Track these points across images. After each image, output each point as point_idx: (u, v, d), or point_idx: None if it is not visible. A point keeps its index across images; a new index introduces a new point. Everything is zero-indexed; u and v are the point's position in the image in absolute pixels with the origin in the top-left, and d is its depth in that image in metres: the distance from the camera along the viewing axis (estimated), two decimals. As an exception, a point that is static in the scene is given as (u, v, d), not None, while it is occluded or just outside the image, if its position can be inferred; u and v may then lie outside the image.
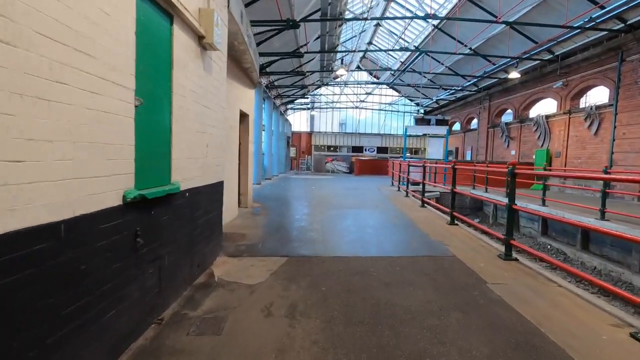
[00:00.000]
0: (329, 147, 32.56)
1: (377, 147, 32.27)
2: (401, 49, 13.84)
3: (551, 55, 14.63)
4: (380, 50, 17.17)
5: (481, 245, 4.89)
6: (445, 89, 22.72)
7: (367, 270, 3.72)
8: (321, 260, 4.10)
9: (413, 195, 10.96)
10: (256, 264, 3.92)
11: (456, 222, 6.37)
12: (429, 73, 18.51)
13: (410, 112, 31.96)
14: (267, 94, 17.67)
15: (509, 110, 19.43)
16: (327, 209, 8.05)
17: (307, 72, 17.85)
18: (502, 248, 4.75)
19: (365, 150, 32.21)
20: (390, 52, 22.35)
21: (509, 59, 16.09)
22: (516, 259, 4.08)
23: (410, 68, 19.08)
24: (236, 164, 6.94)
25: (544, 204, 9.31)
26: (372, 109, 31.78)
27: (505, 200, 4.87)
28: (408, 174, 10.68)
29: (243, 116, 7.94)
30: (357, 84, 24.85)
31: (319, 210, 7.81)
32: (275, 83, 20.48)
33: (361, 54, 23.72)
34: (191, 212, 3.18)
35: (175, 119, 2.74)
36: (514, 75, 14.75)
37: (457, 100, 25.06)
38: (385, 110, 31.85)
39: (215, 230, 3.95)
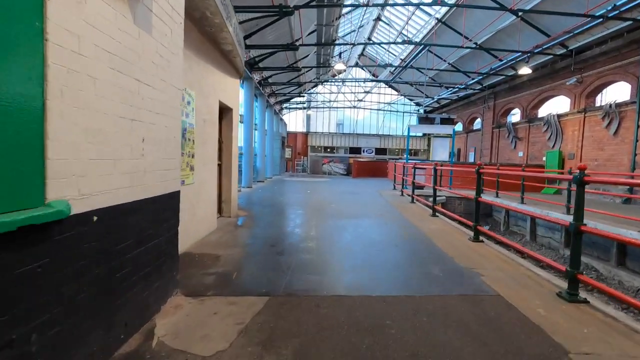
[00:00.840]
0: (325, 148, 31.41)
1: (376, 149, 31.18)
2: (404, 42, 12.71)
3: (564, 50, 13.60)
4: (381, 43, 16.06)
5: (525, 274, 3.74)
6: (448, 87, 21.69)
7: (382, 323, 2.55)
8: (315, 302, 2.93)
9: (418, 201, 9.82)
10: (222, 310, 2.74)
11: (481, 237, 5.22)
12: (432, 69, 17.44)
13: (410, 112, 30.93)
14: (260, 90, 16.50)
15: (516, 110, 18.40)
16: (323, 219, 6.89)
17: (303, 67, 16.71)
18: (553, 278, 3.61)
19: (363, 151, 31.11)
20: (391, 48, 21.31)
21: (518, 54, 15.04)
22: (586, 301, 2.93)
23: (411, 65, 18.00)
24: (214, 166, 5.76)
25: (568, 212, 8.22)
26: (371, 109, 30.70)
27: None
28: (414, 178, 9.54)
29: (225, 110, 6.76)
30: (355, 81, 23.76)
31: (314, 221, 6.64)
32: (270, 80, 19.34)
33: (360, 49, 22.63)
34: (109, 245, 2.00)
35: (57, 89, 1.56)
36: (525, 70, 13.70)
37: (460, 99, 24.05)
38: (384, 111, 30.78)
39: (164, 262, 2.76)
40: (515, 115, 18.56)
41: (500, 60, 16.58)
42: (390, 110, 30.78)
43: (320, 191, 13.08)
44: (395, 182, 13.68)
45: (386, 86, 29.33)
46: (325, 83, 27.99)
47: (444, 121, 13.85)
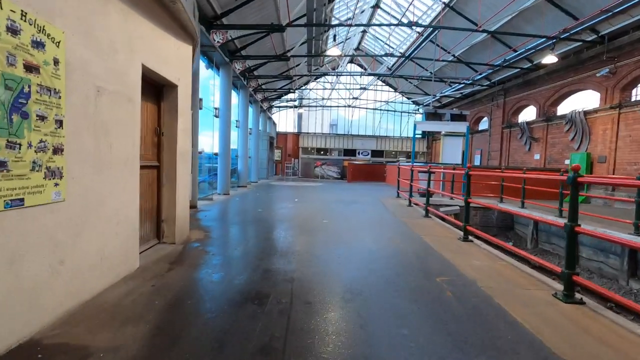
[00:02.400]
0: (318, 150, 29.30)
1: (372, 151, 29.17)
2: (409, 24, 10.69)
3: (595, 36, 11.72)
4: (382, 25, 14.01)
5: None
6: (452, 84, 19.77)
7: None
8: None
9: (434, 215, 7.74)
10: None
11: (577, 294, 3.10)
12: (439, 60, 15.47)
13: (408, 112, 29.01)
14: (242, 81, 14.33)
15: (531, 107, 16.50)
16: (313, 248, 4.74)
17: (293, 57, 14.60)
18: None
19: (359, 153, 29.06)
20: (390, 41, 19.33)
21: (536, 44, 13.16)
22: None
23: (414, 57, 15.99)
24: (133, 170, 3.56)
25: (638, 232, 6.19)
26: (367, 108, 28.70)
27: None
28: (428, 184, 7.48)
29: (166, 87, 4.59)
30: (351, 75, 21.75)
31: (299, 255, 4.48)
32: (255, 73, 17.19)
33: (356, 41, 20.62)
34: None
35: None
36: (550, 59, 11.76)
37: (464, 97, 22.18)
38: (380, 110, 28.81)
39: None
40: (530, 113, 16.67)
41: (515, 50, 14.69)
42: (387, 110, 28.82)
43: (311, 200, 10.93)
44: (399, 188, 11.59)
45: (383, 84, 27.40)
46: (318, 79, 25.94)
47: (455, 117, 11.85)
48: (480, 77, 18.22)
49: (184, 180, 4.98)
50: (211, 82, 11.58)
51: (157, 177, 4.60)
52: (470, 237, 5.33)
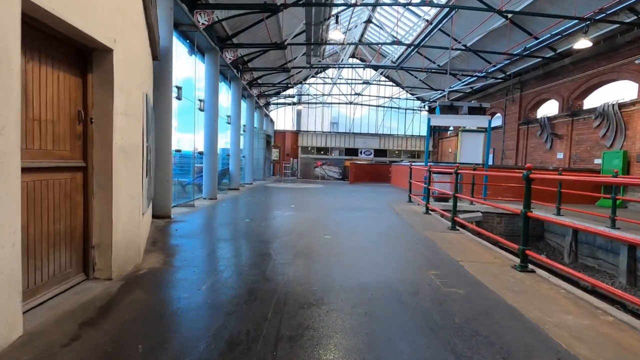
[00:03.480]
0: (318, 149, 27.85)
1: (375, 150, 27.73)
2: (422, 3, 9.24)
3: (634, 17, 10.26)
4: (391, 4, 12.56)
5: None
6: (465, 76, 18.30)
7: None
8: None
9: (445, 219, 6.30)
10: None
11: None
12: (452, 49, 14.02)
13: (413, 109, 27.56)
14: (233, 72, 12.87)
15: (552, 102, 15.03)
16: (312, 289, 3.29)
17: (290, 45, 13.13)
18: None
19: (361, 153, 27.62)
20: (395, 31, 17.85)
21: (564, 27, 11.72)
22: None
23: (424, 44, 14.53)
24: (5, 176, 2.09)
25: None
26: (369, 105, 27.24)
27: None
28: (456, 189, 6.04)
29: (94, 52, 3.12)
30: (352, 67, 20.33)
31: (290, 303, 3.02)
32: (250, 65, 15.74)
33: (358, 32, 19.16)
34: None
35: None
36: (583, 44, 10.30)
37: (474, 92, 20.74)
38: (384, 107, 27.35)
39: None
40: (551, 108, 15.20)
41: (536, 38, 13.23)
42: (391, 107, 27.36)
43: (311, 206, 9.47)
44: (411, 191, 10.14)
45: (386, 79, 25.94)
46: (318, 74, 24.50)
47: (473, 110, 10.40)
48: (494, 69, 16.78)
49: (129, 187, 3.52)
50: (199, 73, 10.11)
51: (84, 183, 3.14)
52: (533, 269, 3.85)
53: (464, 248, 4.77)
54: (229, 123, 13.14)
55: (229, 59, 12.23)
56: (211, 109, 9.81)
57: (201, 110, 9.79)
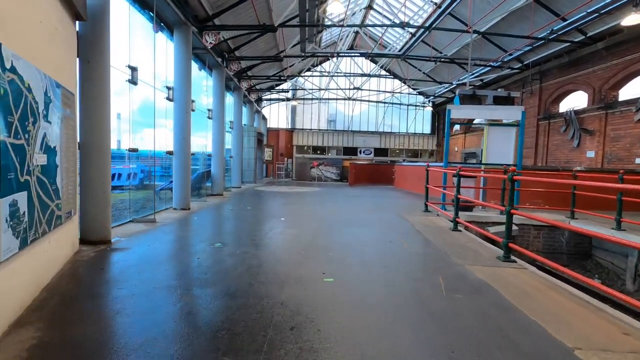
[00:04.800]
0: (314, 149, 26.03)
1: (375, 149, 25.95)
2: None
3: (693, -13, 8.54)
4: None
5: None
6: (479, 66, 16.53)
7: None
8: None
9: (480, 238, 4.53)
10: None
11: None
12: (468, 31, 12.26)
13: (416, 105, 25.81)
14: (214, 58, 11.01)
15: (579, 93, 13.30)
16: None
17: (281, 27, 11.27)
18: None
19: (360, 152, 25.84)
20: (405, 7, 16.03)
21: (601, 4, 10.00)
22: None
23: (435, 28, 12.74)
24: None
25: None
26: (369, 101, 25.45)
27: None
28: (512, 201, 4.24)
29: None
30: (351, 56, 18.56)
31: None
32: (237, 53, 13.90)
33: (359, 18, 17.33)
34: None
35: None
36: (633, 20, 8.56)
37: (485, 85, 18.99)
38: (384, 103, 25.57)
39: None
40: (577, 100, 13.48)
41: (564, 19, 11.50)
42: (392, 103, 25.59)
43: (305, 218, 7.63)
44: (428, 199, 8.32)
45: (387, 74, 24.16)
46: (314, 69, 22.65)
47: (499, 101, 8.63)
48: (510, 58, 15.05)
49: None
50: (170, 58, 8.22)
51: None
52: None
53: (553, 306, 2.95)
54: (210, 118, 11.27)
55: (210, 43, 10.38)
56: (182, 98, 7.94)
57: (169, 99, 7.92)
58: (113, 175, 13.91)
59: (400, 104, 25.68)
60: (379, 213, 8.30)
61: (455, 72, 19.13)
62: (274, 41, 15.87)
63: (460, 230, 6.09)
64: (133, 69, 6.21)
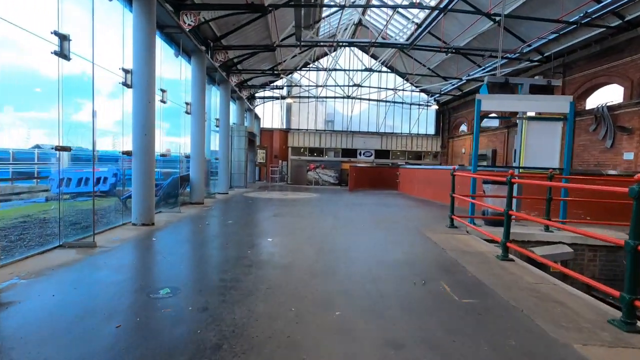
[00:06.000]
0: (311, 150, 24.37)
1: (375, 150, 24.34)
2: None
3: None
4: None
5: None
6: (494, 57, 14.94)
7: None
8: None
9: (547, 274, 2.90)
10: None
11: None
12: (489, 13, 10.70)
13: (419, 104, 24.25)
14: (195, 45, 9.34)
15: (612, 87, 11.74)
16: None
17: (271, 5, 9.62)
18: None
19: (360, 154, 24.22)
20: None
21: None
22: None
23: (451, 10, 11.17)
24: None
25: None
26: (369, 99, 23.85)
27: None
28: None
29: None
30: (350, 44, 17.01)
31: None
32: (224, 42, 12.24)
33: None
34: None
35: None
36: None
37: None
38: (386, 102, 23.99)
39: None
40: (609, 94, 11.93)
41: (598, 1, 9.99)
42: (394, 102, 24.01)
43: (299, 239, 5.93)
44: (453, 211, 6.64)
45: (389, 70, 22.60)
46: (310, 66, 21.02)
47: (535, 89, 7.04)
48: (529, 49, 13.52)
49: None
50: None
51: None
52: None
53: None
54: (188, 113, 9.57)
55: (188, 25, 8.72)
56: (142, 83, 6.23)
57: (127, 86, 6.21)
58: (80, 180, 12.15)
59: (402, 103, 24.10)
60: (392, 229, 6.63)
61: (465, 67, 17.58)
62: (266, 30, 14.24)
63: (512, 260, 4.43)
64: (63, 38, 4.52)
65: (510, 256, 4.49)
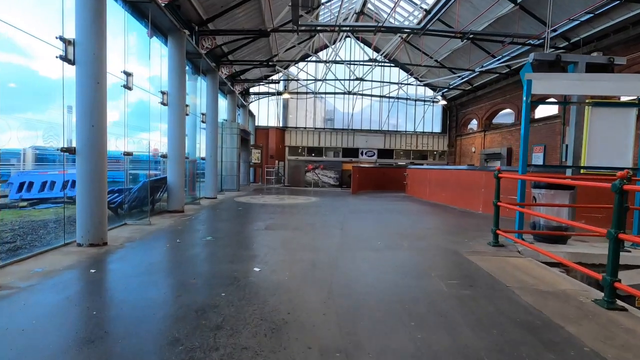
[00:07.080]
0: (309, 150, 22.85)
1: (378, 150, 22.87)
2: None
3: None
4: None
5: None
6: (514, 44, 13.49)
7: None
8: None
9: None
10: None
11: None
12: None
13: (424, 100, 22.79)
14: (174, 24, 7.78)
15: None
16: None
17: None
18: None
19: (362, 153, 22.73)
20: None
21: None
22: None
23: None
24: None
25: None
26: (372, 95, 22.37)
27: None
28: None
29: None
30: (352, 30, 15.56)
31: None
32: (210, 25, 10.74)
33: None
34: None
35: None
36: None
37: (512, 72, 16.02)
38: (389, 98, 22.52)
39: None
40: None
41: (645, -27, 8.52)
42: (398, 98, 22.53)
43: (297, 269, 4.37)
44: (497, 225, 5.11)
45: (392, 64, 21.12)
46: (308, 59, 19.49)
47: (593, 68, 5.57)
48: (554, 34, 12.05)
49: None
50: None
51: None
52: None
53: None
54: (164, 104, 8.00)
55: (162, 2, 7.19)
56: (88, 59, 4.67)
57: (68, 61, 4.64)
58: (44, 184, 10.55)
59: (407, 99, 22.62)
60: (420, 250, 5.09)
61: (478, 58, 16.11)
62: (259, 15, 12.71)
63: (625, 310, 2.91)
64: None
65: (619, 302, 2.97)
